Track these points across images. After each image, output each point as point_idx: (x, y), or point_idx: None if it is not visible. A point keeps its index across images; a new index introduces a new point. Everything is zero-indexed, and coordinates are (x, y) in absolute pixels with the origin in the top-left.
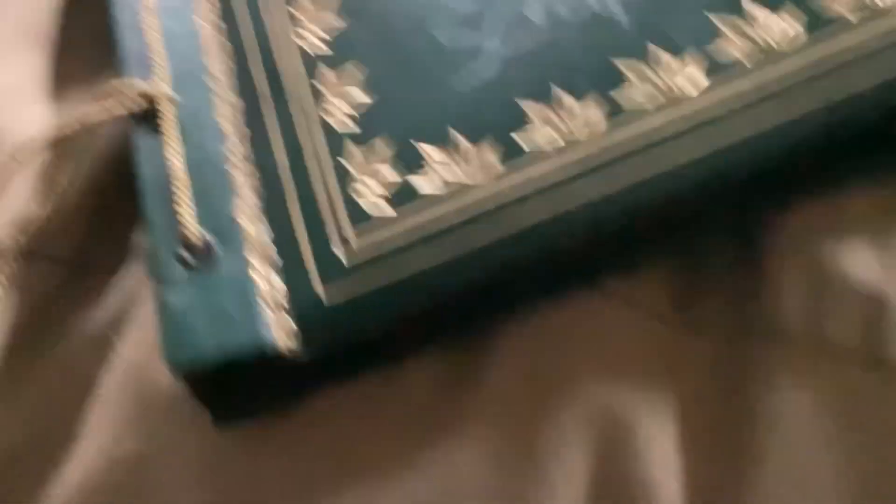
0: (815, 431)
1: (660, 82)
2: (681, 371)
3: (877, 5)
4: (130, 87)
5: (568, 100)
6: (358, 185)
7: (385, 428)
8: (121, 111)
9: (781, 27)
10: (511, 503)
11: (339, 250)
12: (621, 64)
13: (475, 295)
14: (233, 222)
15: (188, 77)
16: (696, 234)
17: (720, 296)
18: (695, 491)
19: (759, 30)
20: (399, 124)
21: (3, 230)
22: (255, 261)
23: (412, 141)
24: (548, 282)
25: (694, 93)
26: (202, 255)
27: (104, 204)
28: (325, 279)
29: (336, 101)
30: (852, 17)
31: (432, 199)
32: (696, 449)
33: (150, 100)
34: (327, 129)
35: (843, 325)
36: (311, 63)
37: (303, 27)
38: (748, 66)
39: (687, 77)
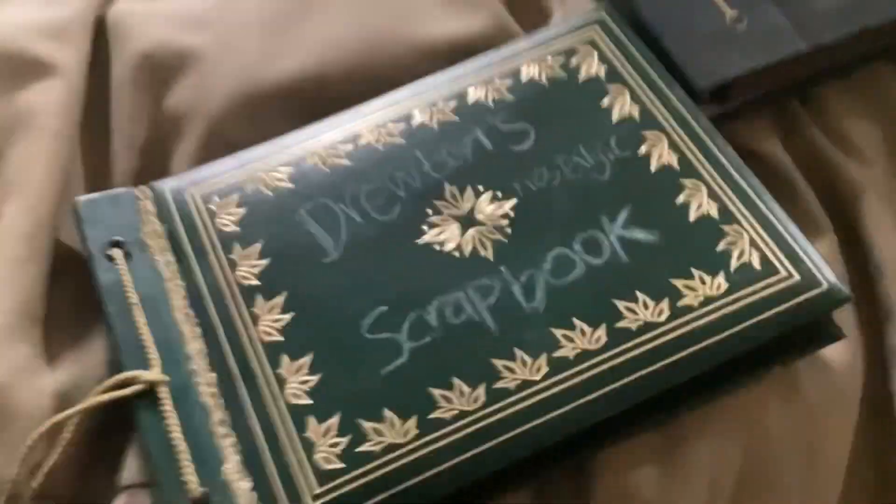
0: None
1: (519, 375)
2: None
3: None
4: (137, 378)
5: (462, 386)
6: (315, 449)
7: None
8: (124, 395)
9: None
10: None
11: (306, 498)
12: (497, 363)
13: None
14: (224, 480)
15: (172, 359)
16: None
17: None
18: None
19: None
20: (343, 403)
21: (22, 478)
22: None
23: (354, 416)
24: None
25: (538, 378)
26: None
27: (94, 452)
28: None
29: (293, 382)
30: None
31: (372, 456)
32: None
33: (151, 385)
34: (288, 404)
35: None
36: (269, 348)
37: (258, 320)
38: (578, 366)
39: (536, 370)
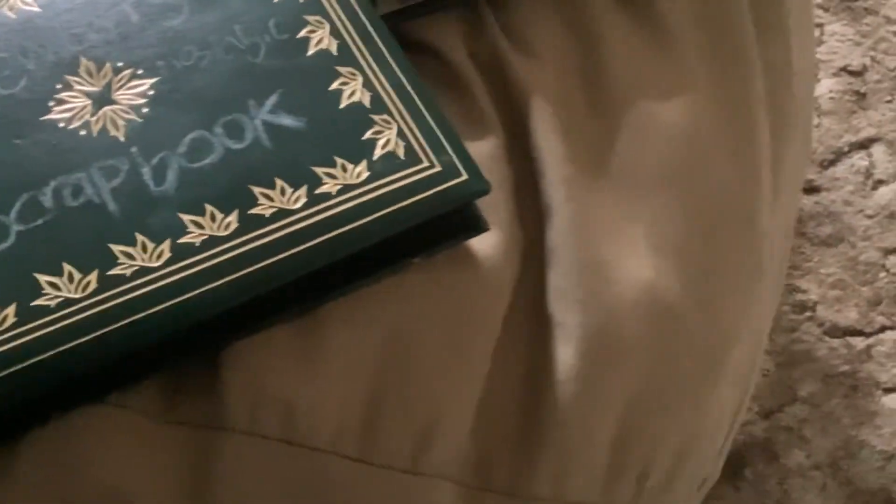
0: None
1: (138, 261)
2: (163, 456)
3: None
4: None
5: (72, 272)
6: None
7: None
8: None
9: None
10: None
11: None
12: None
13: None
14: None
15: None
16: (178, 357)
17: (196, 398)
18: None
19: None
20: None
21: None
22: None
23: None
24: (63, 400)
25: (157, 264)
26: None
27: None
28: None
29: None
30: None
31: None
32: None
33: None
34: None
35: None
36: None
37: None
38: (203, 253)
39: (157, 256)
